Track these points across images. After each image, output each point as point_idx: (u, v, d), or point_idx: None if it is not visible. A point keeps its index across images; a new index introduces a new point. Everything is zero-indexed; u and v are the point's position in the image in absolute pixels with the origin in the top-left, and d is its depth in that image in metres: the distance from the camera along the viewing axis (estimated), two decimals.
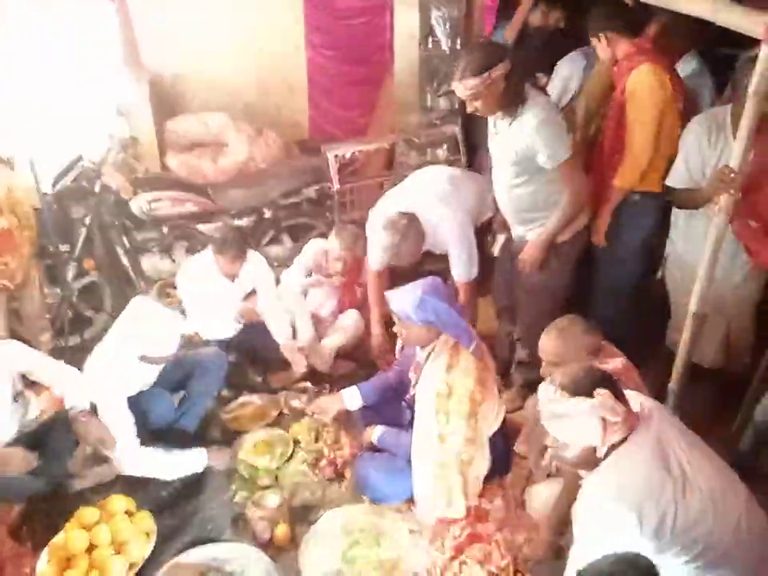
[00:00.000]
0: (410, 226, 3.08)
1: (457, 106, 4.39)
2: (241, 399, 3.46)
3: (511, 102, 2.65)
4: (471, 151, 4.35)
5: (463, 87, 2.62)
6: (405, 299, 2.53)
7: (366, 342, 3.68)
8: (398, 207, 3.19)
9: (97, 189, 3.68)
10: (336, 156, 4.09)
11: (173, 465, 2.85)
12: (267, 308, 3.60)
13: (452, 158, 4.33)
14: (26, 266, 3.52)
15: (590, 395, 1.73)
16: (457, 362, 2.58)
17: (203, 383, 3.15)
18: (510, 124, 2.71)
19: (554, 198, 2.82)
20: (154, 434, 2.95)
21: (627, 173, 2.96)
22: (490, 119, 2.87)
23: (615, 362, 2.28)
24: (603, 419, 1.73)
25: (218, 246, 3.37)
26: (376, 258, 3.38)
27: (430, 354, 2.65)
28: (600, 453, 1.75)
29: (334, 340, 3.66)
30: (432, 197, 3.26)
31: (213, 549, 2.54)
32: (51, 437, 2.79)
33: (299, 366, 3.47)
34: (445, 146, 4.41)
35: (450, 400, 2.55)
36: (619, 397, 1.77)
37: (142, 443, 2.81)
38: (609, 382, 1.79)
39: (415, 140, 4.33)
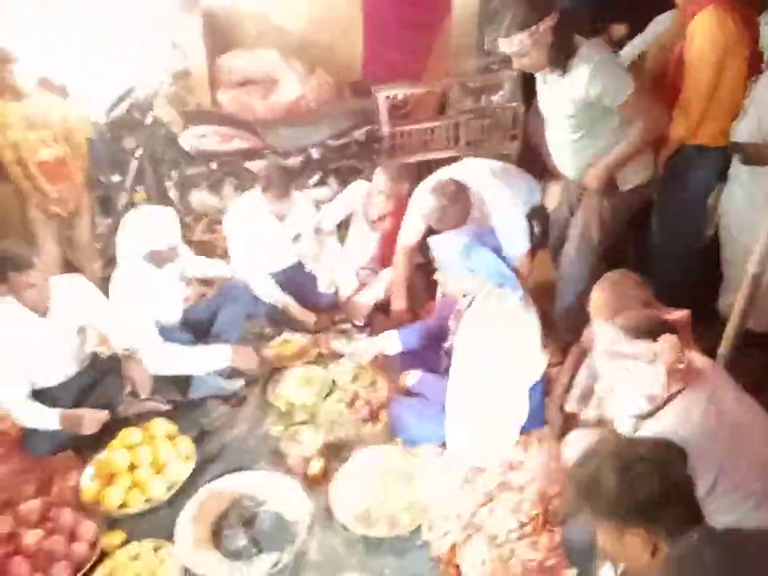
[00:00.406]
0: (458, 192, 2.96)
1: None
2: (283, 336, 3.52)
3: (560, 55, 2.53)
4: (530, 97, 4.18)
5: (509, 43, 2.50)
6: (448, 246, 2.49)
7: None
8: (449, 175, 3.10)
9: (148, 121, 3.72)
10: (387, 97, 3.99)
11: (198, 358, 2.95)
12: (311, 253, 3.63)
13: (509, 104, 4.18)
14: (78, 195, 3.60)
15: (654, 340, 1.67)
16: (499, 311, 2.54)
17: (231, 311, 3.22)
18: (562, 76, 2.59)
19: None
20: None
21: (680, 122, 2.81)
22: (538, 74, 2.74)
23: (678, 313, 2.20)
24: (668, 366, 1.67)
25: (264, 184, 3.37)
26: (412, 229, 3.28)
27: (471, 302, 2.62)
28: (659, 401, 1.71)
29: (371, 294, 3.62)
30: (485, 170, 3.21)
31: (247, 476, 2.61)
32: (102, 380, 2.90)
33: (310, 319, 3.48)
34: (500, 92, 4.25)
35: (491, 350, 2.53)
36: (683, 345, 1.71)
37: None
38: (673, 329, 1.73)
39: (470, 84, 4.19)
